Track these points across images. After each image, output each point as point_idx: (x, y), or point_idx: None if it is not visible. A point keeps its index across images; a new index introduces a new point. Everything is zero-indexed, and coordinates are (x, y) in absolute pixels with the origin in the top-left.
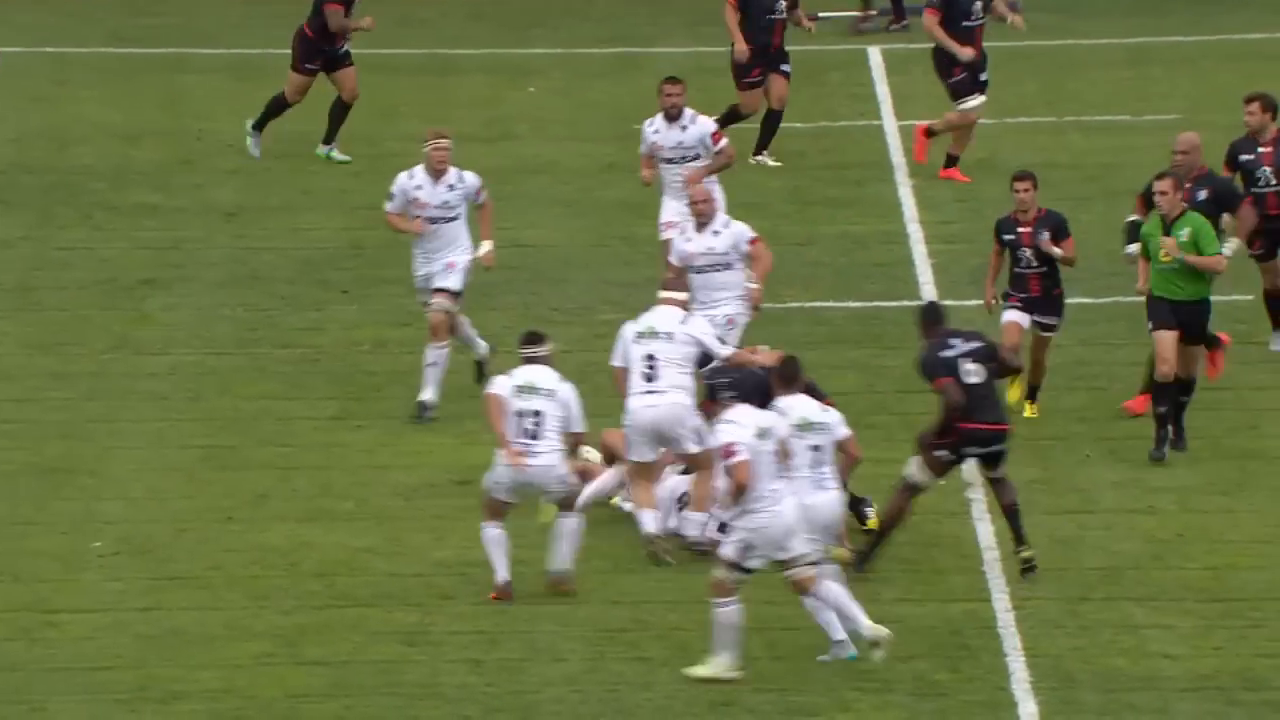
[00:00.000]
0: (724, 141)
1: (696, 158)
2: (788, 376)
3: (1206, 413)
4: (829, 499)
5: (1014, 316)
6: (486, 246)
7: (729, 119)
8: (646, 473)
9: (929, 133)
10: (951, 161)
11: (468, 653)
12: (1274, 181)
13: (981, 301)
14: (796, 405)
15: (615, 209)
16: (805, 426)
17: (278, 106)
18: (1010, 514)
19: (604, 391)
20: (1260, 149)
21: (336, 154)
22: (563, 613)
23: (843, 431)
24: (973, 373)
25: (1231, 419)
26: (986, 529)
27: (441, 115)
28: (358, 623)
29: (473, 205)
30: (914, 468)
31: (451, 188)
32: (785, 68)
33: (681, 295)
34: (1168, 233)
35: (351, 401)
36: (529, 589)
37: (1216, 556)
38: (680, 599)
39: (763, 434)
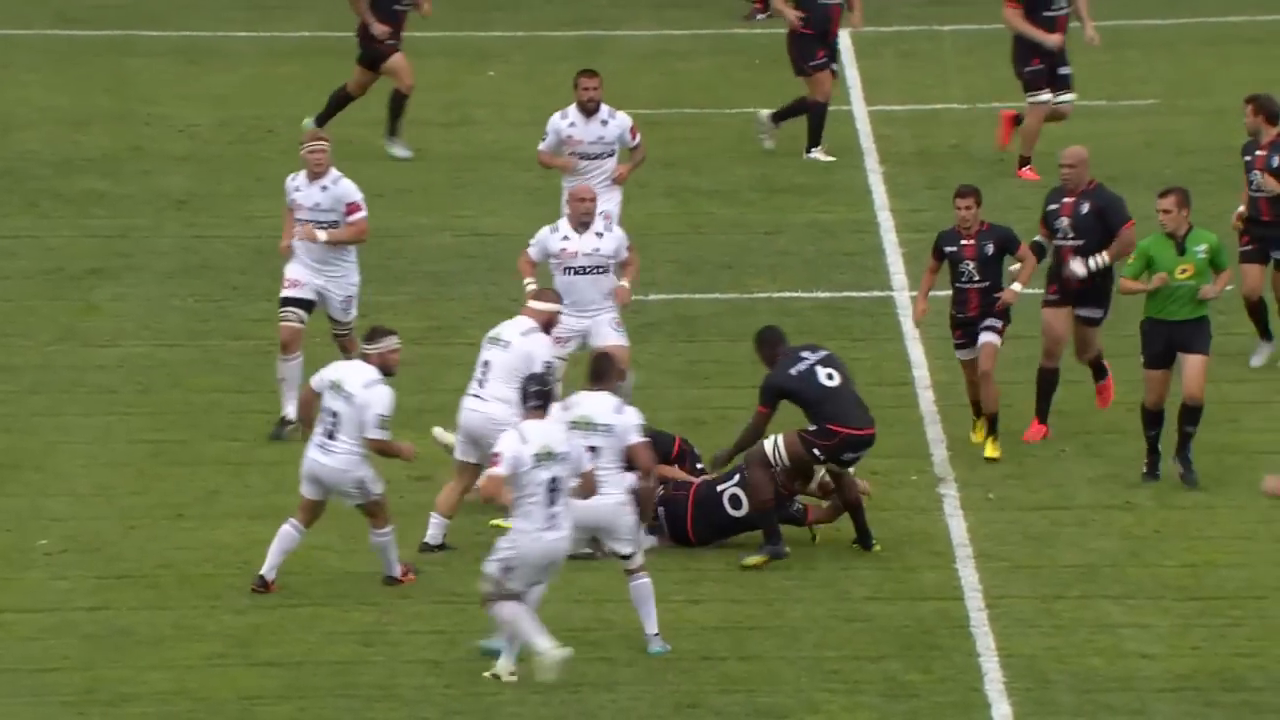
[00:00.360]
0: (640, 137)
1: (612, 154)
2: (595, 372)
3: None
4: (598, 504)
5: (967, 355)
6: (320, 234)
7: (805, 112)
8: (463, 474)
9: (1016, 120)
10: (1015, 121)
11: (426, 653)
12: (1265, 187)
13: (947, 293)
14: (586, 401)
15: None
16: (584, 424)
17: (398, 102)
18: (855, 511)
19: (565, 382)
20: (1257, 152)
21: (400, 150)
22: None
23: (633, 438)
24: (831, 375)
25: (1210, 413)
26: (959, 525)
27: None
28: (312, 623)
29: (342, 219)
30: (770, 447)
31: (325, 189)
32: (834, 65)
33: (546, 306)
34: (1182, 251)
35: None
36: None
37: (1195, 553)
38: None
39: (544, 457)
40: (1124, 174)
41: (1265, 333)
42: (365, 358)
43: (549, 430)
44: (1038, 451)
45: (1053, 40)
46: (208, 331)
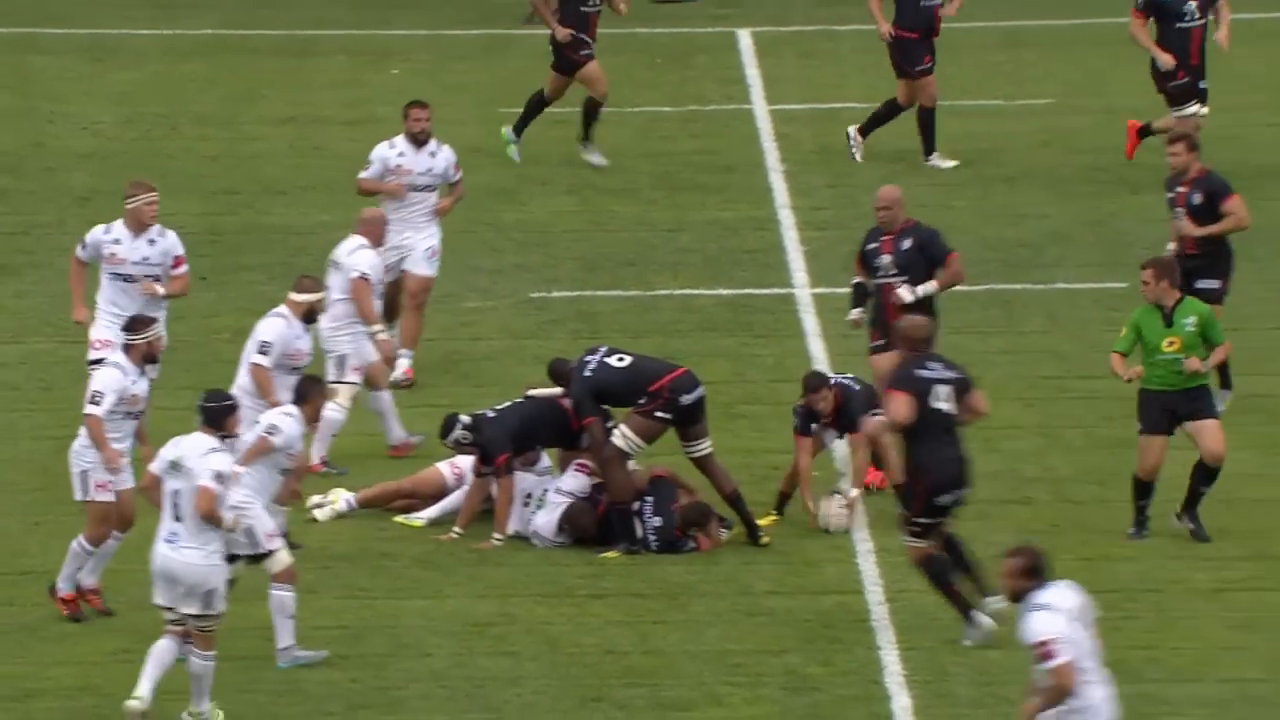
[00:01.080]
0: (461, 174)
1: (436, 189)
2: (298, 394)
3: (1080, 401)
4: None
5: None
6: (158, 288)
7: (926, 122)
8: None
9: (1145, 131)
10: (1146, 132)
11: (331, 648)
12: (1184, 231)
13: (848, 288)
14: (276, 415)
15: (481, 194)
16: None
17: (591, 110)
18: (735, 502)
19: (468, 381)
20: (1179, 188)
21: (595, 158)
22: (428, 607)
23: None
24: (621, 358)
25: (1105, 408)
26: (859, 520)
27: (302, 98)
28: None
29: (168, 272)
30: (620, 441)
31: (152, 242)
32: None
33: (303, 297)
34: (1169, 323)
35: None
36: (393, 584)
37: (1090, 547)
38: (548, 592)
39: (173, 468)
40: (1021, 172)
41: (1224, 381)
42: (129, 348)
43: (191, 443)
44: None
45: (1165, 59)
46: None
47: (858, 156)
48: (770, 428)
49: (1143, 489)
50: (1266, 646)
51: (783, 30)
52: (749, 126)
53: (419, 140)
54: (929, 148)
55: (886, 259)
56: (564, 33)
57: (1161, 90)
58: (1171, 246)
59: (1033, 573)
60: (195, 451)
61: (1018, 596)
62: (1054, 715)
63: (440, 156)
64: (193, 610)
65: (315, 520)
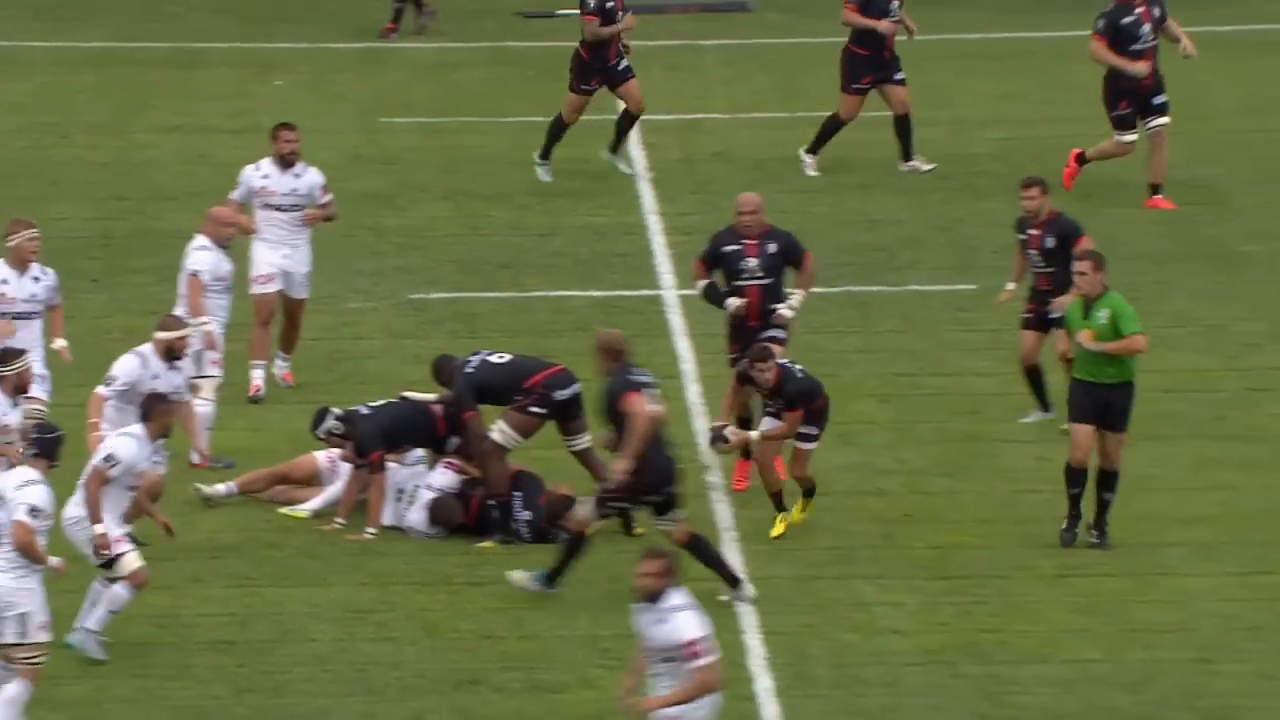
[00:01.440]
0: (330, 196)
1: (302, 209)
2: (143, 411)
3: (931, 398)
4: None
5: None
6: (62, 343)
7: (829, 129)
8: None
9: (1081, 159)
10: (1154, 191)
11: (218, 634)
12: (1040, 263)
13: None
14: (118, 442)
15: (362, 200)
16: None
17: (558, 129)
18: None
19: (351, 379)
20: (1030, 231)
21: (622, 166)
22: (312, 595)
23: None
24: (501, 356)
25: (954, 404)
26: (725, 510)
27: (188, 108)
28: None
29: (48, 307)
30: (498, 435)
31: (36, 279)
32: (900, 76)
33: (163, 335)
34: (1088, 314)
35: None
36: (278, 572)
37: (941, 536)
38: (427, 581)
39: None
40: (875, 180)
41: (1044, 403)
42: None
43: (12, 475)
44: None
45: (1138, 68)
46: None
47: (923, 168)
48: None
49: (1074, 477)
50: (1105, 629)
51: (650, 44)
52: None
53: (286, 162)
54: (814, 149)
55: (753, 262)
56: (631, 20)
57: (1109, 115)
58: (1010, 287)
59: (671, 573)
60: (12, 484)
61: (653, 596)
62: (675, 714)
63: (305, 179)
64: (9, 639)
65: (201, 491)
